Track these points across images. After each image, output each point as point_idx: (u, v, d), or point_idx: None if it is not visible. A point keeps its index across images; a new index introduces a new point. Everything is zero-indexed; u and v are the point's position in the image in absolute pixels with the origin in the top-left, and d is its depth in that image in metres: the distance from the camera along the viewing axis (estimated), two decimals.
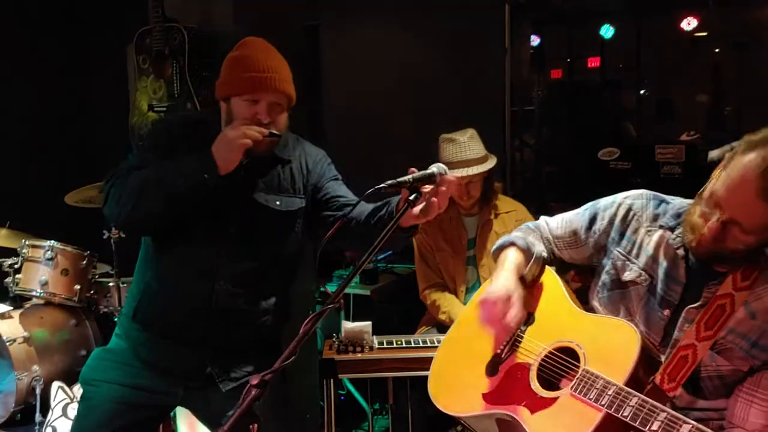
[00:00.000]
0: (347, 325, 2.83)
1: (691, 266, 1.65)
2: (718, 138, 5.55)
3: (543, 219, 2.04)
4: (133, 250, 2.16)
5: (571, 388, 1.62)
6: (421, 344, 2.83)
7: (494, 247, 2.03)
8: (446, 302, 3.09)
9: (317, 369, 3.28)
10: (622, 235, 1.78)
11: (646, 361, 1.63)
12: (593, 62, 7.28)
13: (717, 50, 6.79)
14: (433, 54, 4.42)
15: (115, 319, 3.77)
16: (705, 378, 1.58)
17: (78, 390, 3.55)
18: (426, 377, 2.78)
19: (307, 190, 2.12)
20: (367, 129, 4.60)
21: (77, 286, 3.78)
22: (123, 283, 3.76)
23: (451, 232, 3.14)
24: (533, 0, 4.91)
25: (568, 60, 7.27)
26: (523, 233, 2.00)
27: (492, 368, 1.83)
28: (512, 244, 1.95)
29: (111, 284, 3.82)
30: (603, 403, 1.53)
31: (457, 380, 1.92)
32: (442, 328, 3.08)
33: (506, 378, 1.78)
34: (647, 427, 1.45)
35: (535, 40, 6.36)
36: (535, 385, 1.71)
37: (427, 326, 3.22)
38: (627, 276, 1.74)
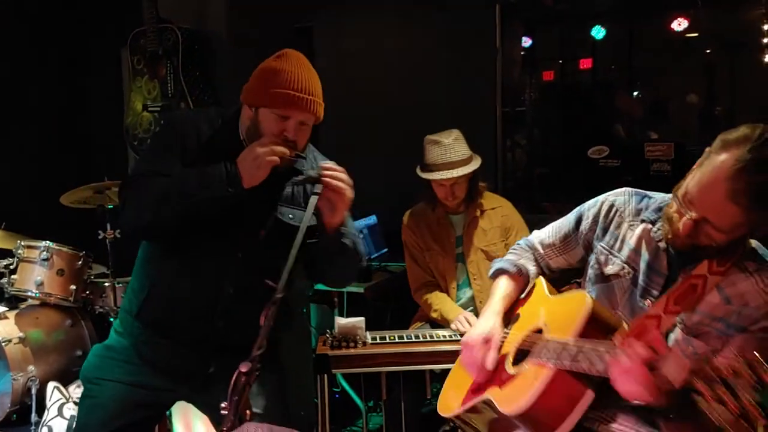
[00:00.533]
0: (340, 321, 2.86)
1: (672, 258, 1.68)
2: (709, 139, 5.60)
3: (534, 233, 2.11)
4: (129, 250, 2.15)
5: (532, 356, 1.71)
6: (414, 339, 2.86)
7: (489, 274, 2.13)
8: (438, 300, 3.13)
9: (312, 368, 3.31)
10: (605, 230, 1.84)
11: (601, 322, 1.67)
12: (585, 63, 7.33)
13: (708, 51, 6.85)
14: (424, 55, 4.45)
15: (111, 319, 3.78)
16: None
17: (74, 390, 3.56)
18: (419, 371, 2.85)
19: None
20: (359, 130, 4.62)
21: (73, 287, 3.79)
22: (119, 283, 3.77)
23: (439, 231, 3.18)
24: (524, 1, 4.95)
25: (560, 61, 7.32)
26: (516, 255, 2.08)
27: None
28: (503, 272, 2.05)
29: (107, 284, 3.82)
30: (550, 358, 1.62)
31: (452, 385, 2.07)
32: (435, 324, 3.12)
33: (490, 372, 1.87)
34: (593, 368, 1.51)
35: (526, 42, 6.40)
36: (508, 367, 1.81)
37: (421, 322, 3.25)
38: (609, 269, 1.79)
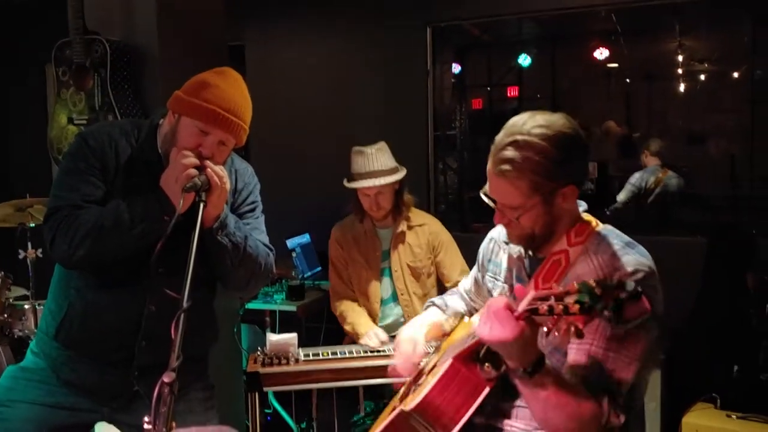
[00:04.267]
0: (272, 338, 2.83)
1: (529, 263, 1.77)
2: (629, 162, 5.87)
3: (459, 283, 2.24)
4: (52, 270, 2.08)
5: (438, 366, 1.77)
6: (347, 355, 2.85)
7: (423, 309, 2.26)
8: (352, 314, 3.14)
9: (242, 388, 3.25)
10: (489, 261, 1.95)
11: None
12: (512, 91, 7.57)
13: (628, 80, 7.19)
14: (356, 77, 4.50)
15: (30, 344, 3.62)
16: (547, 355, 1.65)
17: None
18: (353, 388, 2.83)
19: (232, 210, 2.10)
20: (291, 150, 4.63)
21: None
22: (39, 305, 3.61)
23: (365, 244, 3.20)
24: (453, 27, 5.08)
25: (488, 88, 7.54)
26: (447, 297, 2.22)
27: (404, 395, 1.98)
28: (433, 304, 2.19)
29: (27, 307, 3.66)
30: (448, 355, 1.68)
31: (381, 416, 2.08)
32: None
33: (406, 390, 1.94)
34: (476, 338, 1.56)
35: (456, 68, 6.57)
36: (422, 378, 1.87)
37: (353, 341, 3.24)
38: (496, 292, 1.88)
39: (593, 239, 1.65)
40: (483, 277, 2.00)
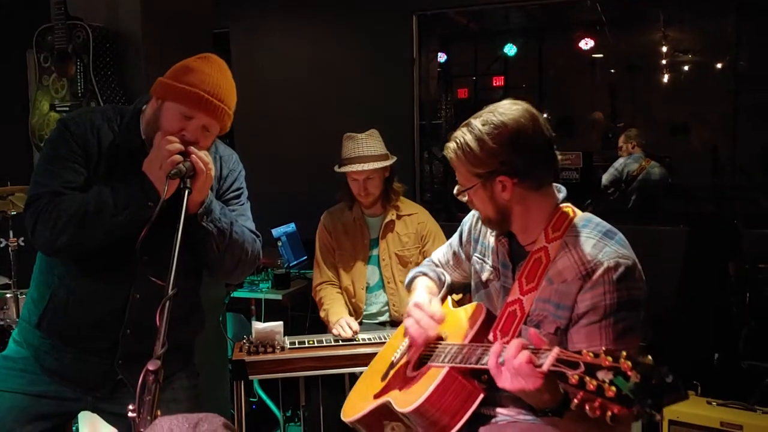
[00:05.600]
0: (258, 326, 2.82)
1: (510, 247, 1.79)
2: (611, 152, 5.90)
3: (433, 254, 2.22)
4: (33, 259, 2.05)
5: (431, 360, 1.78)
6: (333, 343, 2.85)
7: (406, 281, 2.19)
8: (329, 300, 3.14)
9: (227, 377, 3.25)
10: (476, 241, 1.94)
11: (490, 326, 1.77)
12: (497, 81, 7.59)
13: (612, 71, 7.22)
14: (342, 65, 4.49)
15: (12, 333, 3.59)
16: None
17: None
18: (338, 375, 2.84)
19: (217, 197, 2.08)
20: (277, 139, 4.61)
21: None
22: (22, 294, 3.56)
23: (354, 231, 3.20)
24: (439, 16, 5.08)
25: (474, 78, 7.54)
26: (429, 266, 2.17)
27: (385, 374, 1.98)
28: (423, 274, 2.12)
29: (9, 295, 3.61)
30: (446, 360, 1.70)
31: (357, 393, 2.10)
32: None
33: (392, 377, 1.93)
34: (479, 363, 1.59)
35: (442, 57, 6.57)
36: (409, 371, 1.87)
37: None
38: (484, 275, 1.88)
39: (571, 232, 1.66)
40: (468, 254, 1.99)
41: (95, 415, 2.11)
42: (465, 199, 1.74)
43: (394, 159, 3.13)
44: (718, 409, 2.83)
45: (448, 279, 2.11)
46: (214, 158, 2.03)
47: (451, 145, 1.67)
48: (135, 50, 2.82)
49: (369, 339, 2.89)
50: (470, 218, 1.99)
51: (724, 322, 3.36)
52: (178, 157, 1.78)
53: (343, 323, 2.96)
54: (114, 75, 2.79)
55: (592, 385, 1.21)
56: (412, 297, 2.00)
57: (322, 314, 3.13)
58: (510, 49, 6.44)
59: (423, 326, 1.85)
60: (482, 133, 1.61)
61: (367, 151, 3.03)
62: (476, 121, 1.64)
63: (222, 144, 2.14)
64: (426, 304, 1.89)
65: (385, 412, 1.87)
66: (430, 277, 2.11)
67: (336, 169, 3.10)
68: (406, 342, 2.01)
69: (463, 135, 1.65)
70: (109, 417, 2.10)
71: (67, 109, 2.74)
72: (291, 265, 3.88)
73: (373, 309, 3.22)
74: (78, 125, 1.93)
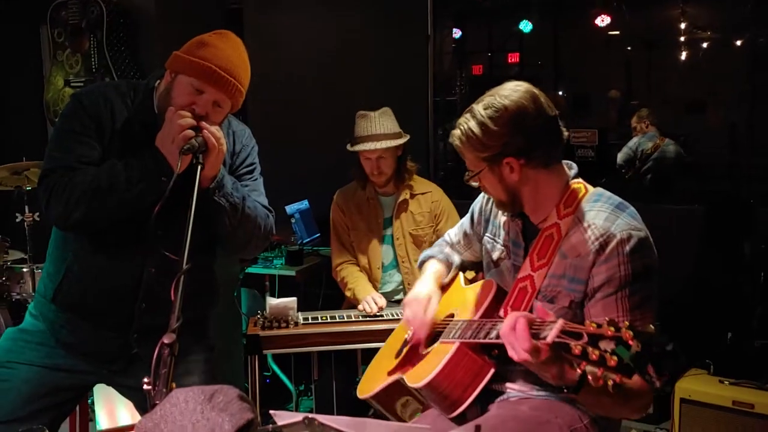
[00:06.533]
0: (272, 302, 2.84)
1: (523, 227, 1.80)
2: (628, 133, 5.85)
3: (446, 233, 2.24)
4: (49, 234, 2.07)
5: (442, 337, 1.81)
6: (345, 319, 2.87)
7: (418, 263, 2.26)
8: (353, 279, 3.15)
9: (241, 352, 3.27)
10: (488, 221, 1.96)
11: (501, 303, 1.79)
12: (513, 57, 7.49)
13: (629, 48, 7.12)
14: (356, 40, 4.45)
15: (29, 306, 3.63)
16: None
17: None
18: (351, 351, 2.86)
19: (230, 172, 2.08)
20: (290, 115, 4.59)
21: None
22: (38, 268, 3.61)
23: (368, 210, 3.20)
24: None
25: (489, 54, 7.46)
26: (440, 247, 2.21)
27: (398, 351, 2.01)
28: (432, 257, 2.18)
29: (25, 270, 3.67)
30: (456, 336, 1.72)
31: (372, 370, 2.14)
32: None
33: (406, 354, 1.97)
34: (487, 337, 1.62)
35: (456, 33, 6.50)
36: (422, 348, 1.90)
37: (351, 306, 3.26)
38: (495, 255, 1.90)
39: (583, 207, 1.67)
40: (479, 234, 2.01)
41: (110, 388, 2.15)
42: (476, 184, 1.76)
43: (407, 137, 3.12)
44: (731, 388, 2.83)
45: (456, 261, 2.14)
46: (227, 133, 2.03)
47: (456, 132, 1.71)
48: (148, 25, 2.83)
49: (393, 315, 2.88)
50: (481, 199, 2.01)
51: (738, 301, 3.34)
52: (190, 132, 1.78)
53: (369, 299, 2.98)
54: (127, 50, 2.79)
55: (594, 355, 1.24)
56: (416, 285, 2.07)
57: (348, 293, 3.14)
58: (525, 26, 6.36)
59: (416, 325, 1.93)
60: (484, 117, 1.63)
61: (380, 130, 3.01)
62: (478, 107, 1.66)
63: (235, 119, 2.14)
64: (423, 301, 1.96)
65: (398, 389, 1.90)
66: (439, 260, 2.15)
67: (348, 147, 3.09)
68: None
69: (466, 121, 1.68)
70: (124, 390, 2.13)
71: (82, 84, 2.75)
72: (304, 242, 3.89)
73: (389, 288, 3.23)
74: (91, 100, 1.93)
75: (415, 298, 1.98)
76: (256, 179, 2.14)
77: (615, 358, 1.20)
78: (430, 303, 1.97)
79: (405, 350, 1.98)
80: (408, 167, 3.16)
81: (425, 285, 2.05)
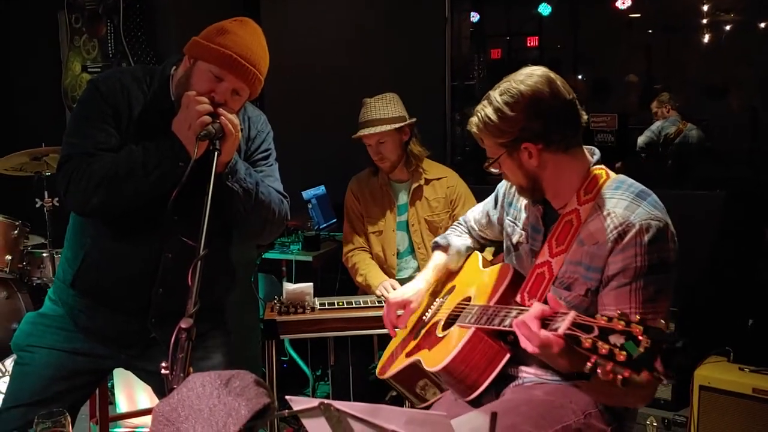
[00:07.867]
0: (288, 287, 2.85)
1: (544, 213, 1.80)
2: (647, 116, 5.77)
3: (468, 212, 2.27)
4: (68, 219, 2.08)
5: (459, 321, 1.81)
6: (362, 304, 2.88)
7: (432, 248, 2.29)
8: (364, 266, 3.15)
9: (259, 336, 3.29)
10: (510, 204, 1.97)
11: (518, 288, 1.79)
12: (532, 41, 7.41)
13: (650, 31, 7.01)
14: (373, 25, 4.42)
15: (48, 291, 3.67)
16: None
17: (10, 364, 3.45)
18: (367, 337, 2.87)
19: (245, 158, 2.08)
20: (307, 101, 4.58)
21: (8, 257, 3.66)
22: (57, 253, 3.65)
23: (382, 197, 3.18)
24: None
25: (507, 38, 7.38)
26: (451, 230, 2.25)
27: (416, 333, 2.04)
28: (437, 245, 2.22)
29: (45, 255, 3.71)
30: (471, 321, 1.73)
31: (392, 350, 2.16)
32: None
33: (423, 337, 1.99)
34: (502, 324, 1.62)
35: (474, 16, 6.44)
36: (438, 331, 1.91)
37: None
38: (515, 238, 1.90)
39: (603, 194, 1.66)
40: (501, 216, 2.02)
41: (129, 372, 2.17)
42: (497, 170, 1.76)
43: (411, 121, 3.08)
44: (751, 376, 2.80)
45: (462, 248, 2.17)
46: (242, 119, 2.03)
47: (474, 119, 1.71)
48: (164, 11, 2.83)
49: None
50: (504, 184, 2.01)
51: (759, 287, 3.30)
52: (207, 118, 1.78)
53: (387, 284, 2.97)
54: (144, 35, 2.80)
55: (604, 349, 1.23)
56: (415, 279, 2.14)
57: (359, 279, 3.14)
58: (545, 9, 6.27)
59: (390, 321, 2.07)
60: (500, 103, 1.64)
61: (375, 115, 3.00)
62: (494, 93, 1.67)
63: (250, 105, 2.13)
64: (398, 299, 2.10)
65: (416, 371, 1.91)
66: (443, 248, 2.18)
67: (353, 135, 3.08)
68: (437, 302, 2.04)
69: (483, 108, 1.69)
70: (142, 374, 2.15)
71: (99, 69, 2.77)
72: (321, 227, 3.89)
73: (405, 274, 3.23)
74: (108, 86, 1.93)
75: (392, 301, 2.12)
76: (271, 165, 2.13)
77: (624, 353, 1.20)
78: (405, 309, 2.10)
79: (423, 332, 2.01)
80: (416, 152, 3.13)
81: (414, 285, 2.15)
